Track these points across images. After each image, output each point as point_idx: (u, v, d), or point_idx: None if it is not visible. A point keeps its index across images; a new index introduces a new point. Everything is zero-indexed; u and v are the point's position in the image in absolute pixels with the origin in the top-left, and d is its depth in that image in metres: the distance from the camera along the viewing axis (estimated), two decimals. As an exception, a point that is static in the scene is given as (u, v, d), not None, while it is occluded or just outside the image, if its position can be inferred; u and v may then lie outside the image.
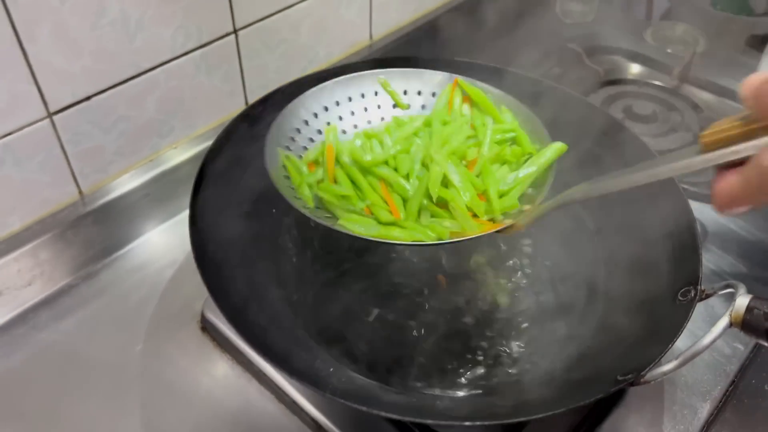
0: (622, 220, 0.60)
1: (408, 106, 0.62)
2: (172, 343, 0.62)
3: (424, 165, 0.55)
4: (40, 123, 0.60)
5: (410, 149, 0.56)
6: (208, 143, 0.60)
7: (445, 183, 0.53)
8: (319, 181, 0.55)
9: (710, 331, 0.43)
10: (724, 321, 0.43)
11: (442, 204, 0.53)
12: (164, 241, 0.72)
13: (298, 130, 0.58)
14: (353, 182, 0.55)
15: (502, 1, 0.93)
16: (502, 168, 0.56)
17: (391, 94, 0.61)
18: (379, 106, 0.61)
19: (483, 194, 0.54)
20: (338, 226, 0.51)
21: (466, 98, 0.61)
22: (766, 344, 0.47)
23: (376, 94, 0.61)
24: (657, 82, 0.92)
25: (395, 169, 0.55)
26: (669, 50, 0.98)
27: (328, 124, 0.59)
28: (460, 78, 0.61)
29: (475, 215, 0.52)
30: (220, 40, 0.71)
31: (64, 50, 0.59)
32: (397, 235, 0.51)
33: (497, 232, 0.51)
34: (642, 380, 0.44)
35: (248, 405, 0.58)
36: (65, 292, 0.66)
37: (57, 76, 0.60)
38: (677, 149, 0.48)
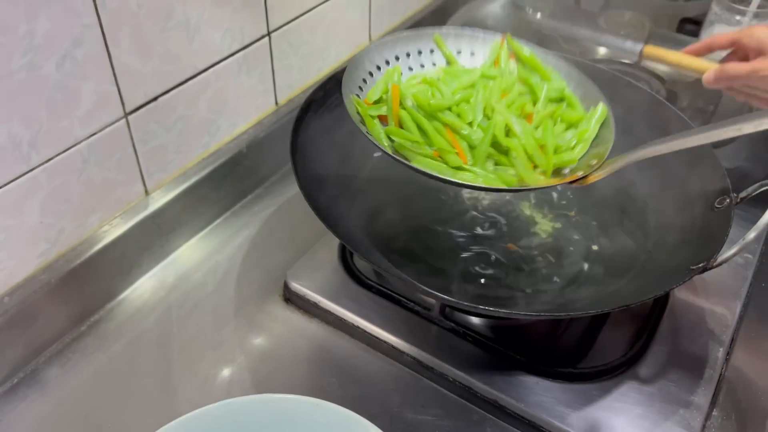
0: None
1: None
2: (261, 316, 0.67)
3: (486, 115, 0.59)
4: (118, 123, 0.64)
5: (470, 99, 0.59)
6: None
7: (507, 133, 0.58)
8: (380, 116, 0.58)
9: (760, 220, 0.53)
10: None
11: (503, 152, 0.57)
12: (227, 231, 0.76)
13: (365, 81, 0.61)
14: (418, 126, 0.58)
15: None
16: (558, 125, 0.60)
17: (447, 56, 0.64)
18: (434, 64, 0.65)
19: (541, 147, 0.58)
20: (415, 164, 0.54)
21: (512, 55, 0.64)
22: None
23: (431, 52, 0.64)
24: (623, 60, 1.05)
25: (458, 116, 0.59)
26: (622, 32, 1.11)
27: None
28: (509, 35, 0.65)
29: (535, 166, 0.57)
30: (257, 42, 0.77)
31: (139, 52, 0.63)
32: (470, 178, 0.55)
33: (570, 183, 0.56)
34: (712, 266, 0.53)
35: (346, 358, 0.64)
36: (147, 280, 0.70)
37: (133, 78, 0.64)
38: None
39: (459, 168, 0.56)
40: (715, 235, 0.56)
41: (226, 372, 0.62)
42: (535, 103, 0.62)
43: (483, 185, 0.55)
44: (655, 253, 0.63)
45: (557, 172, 0.58)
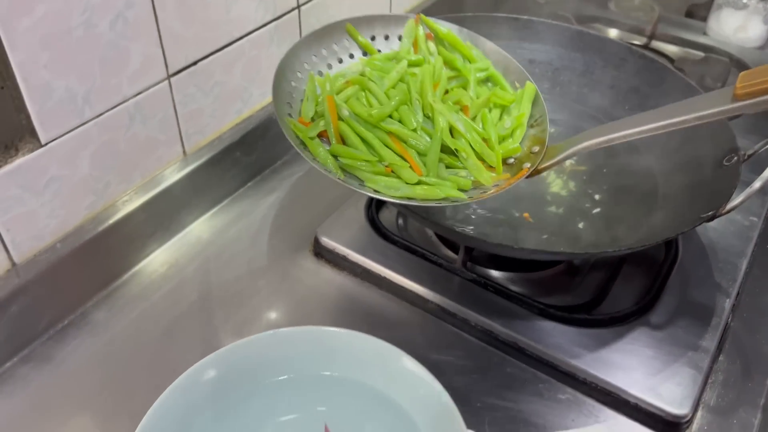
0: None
1: (379, 52, 0.63)
2: (293, 269, 0.71)
3: (425, 114, 0.56)
4: (161, 84, 0.68)
5: (408, 99, 0.56)
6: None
7: (451, 132, 0.56)
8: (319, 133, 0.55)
9: (766, 171, 0.57)
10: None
11: (449, 152, 0.55)
12: (258, 193, 0.81)
13: (291, 94, 0.58)
14: (361, 138, 0.55)
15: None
16: (493, 112, 0.58)
17: (363, 44, 0.62)
18: (351, 56, 0.62)
19: (485, 141, 0.56)
20: (368, 190, 0.52)
21: (429, 35, 0.62)
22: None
23: (346, 43, 0.62)
24: (634, 41, 1.09)
25: (399, 121, 0.56)
26: (632, 15, 1.16)
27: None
28: (423, 15, 0.63)
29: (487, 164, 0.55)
30: (287, 15, 0.81)
31: (183, 17, 0.67)
32: (426, 194, 0.52)
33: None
34: (721, 213, 0.57)
35: (373, 306, 0.68)
36: (185, 236, 0.74)
37: (176, 41, 0.68)
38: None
39: (417, 183, 0.54)
40: (724, 189, 0.60)
41: (262, 316, 0.66)
42: (465, 87, 0.60)
43: (446, 199, 0.53)
44: (665, 209, 0.67)
45: (503, 162, 0.58)
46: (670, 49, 1.08)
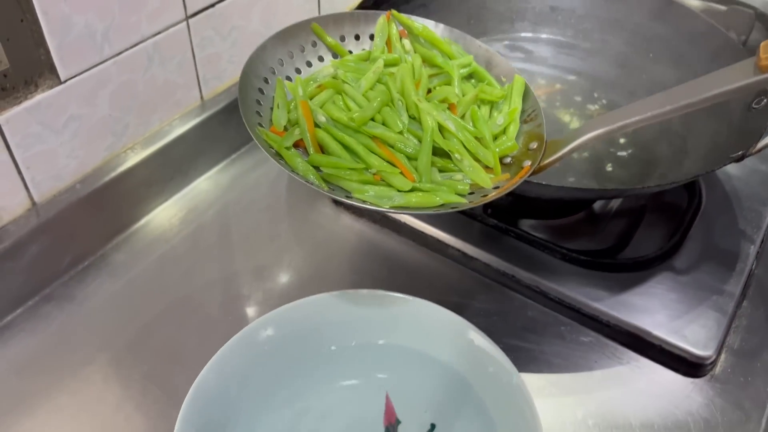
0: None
1: (350, 53, 0.58)
2: (313, 215, 0.71)
3: (410, 115, 0.52)
4: (179, 25, 0.67)
5: (390, 100, 0.52)
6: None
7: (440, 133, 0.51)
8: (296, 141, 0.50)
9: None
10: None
11: (440, 155, 0.51)
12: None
13: (259, 102, 0.53)
14: (343, 146, 0.50)
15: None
16: (482, 109, 0.54)
17: (332, 46, 0.58)
18: (320, 59, 0.58)
19: (478, 140, 0.52)
20: (356, 201, 0.47)
21: (403, 32, 0.58)
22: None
23: (314, 45, 0.57)
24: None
25: (383, 124, 0.51)
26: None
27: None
28: (395, 11, 0.58)
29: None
30: (306, -40, 0.80)
31: (201, -44, 0.66)
32: (422, 201, 0.47)
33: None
34: (751, 153, 0.56)
35: (393, 252, 0.67)
36: (204, 181, 0.74)
37: (194, -19, 0.67)
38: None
39: (410, 190, 0.48)
40: (753, 131, 0.59)
41: (282, 260, 0.66)
42: (448, 84, 0.56)
43: (445, 206, 0.47)
44: (693, 153, 0.66)
45: (499, 162, 0.53)
46: (692, 2, 1.06)
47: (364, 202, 0.47)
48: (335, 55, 0.58)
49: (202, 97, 0.74)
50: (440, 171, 0.50)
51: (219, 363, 0.48)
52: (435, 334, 0.52)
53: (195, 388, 0.47)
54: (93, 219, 0.65)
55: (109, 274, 0.64)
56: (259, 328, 0.51)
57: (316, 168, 0.49)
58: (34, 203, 0.61)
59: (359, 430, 0.51)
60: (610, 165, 0.69)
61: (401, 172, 0.49)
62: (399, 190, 0.48)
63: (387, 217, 0.69)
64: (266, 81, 0.54)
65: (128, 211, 0.68)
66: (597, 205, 0.70)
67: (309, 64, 0.57)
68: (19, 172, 0.59)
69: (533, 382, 0.56)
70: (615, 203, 0.70)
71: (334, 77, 0.55)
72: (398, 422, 0.51)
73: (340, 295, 0.53)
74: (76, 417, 0.53)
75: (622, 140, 0.72)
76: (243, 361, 0.50)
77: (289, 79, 0.55)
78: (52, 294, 0.62)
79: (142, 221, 0.69)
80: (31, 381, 0.55)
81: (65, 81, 0.59)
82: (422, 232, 0.67)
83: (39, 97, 0.57)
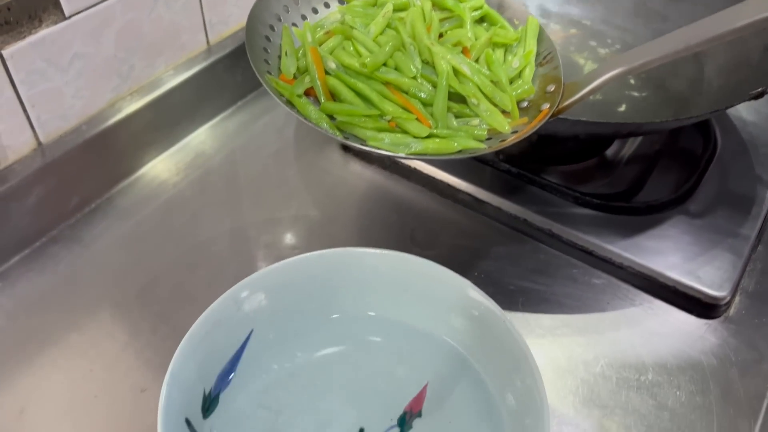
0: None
1: None
2: (321, 162, 0.70)
3: (423, 60, 0.50)
4: (185, -36, 0.66)
5: (402, 45, 0.51)
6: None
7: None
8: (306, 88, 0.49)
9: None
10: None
11: (456, 101, 0.50)
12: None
13: (266, 50, 0.51)
14: (356, 93, 0.49)
15: None
16: (496, 52, 0.53)
17: None
18: (326, 5, 0.56)
19: (494, 84, 0.50)
20: (372, 144, 0.46)
21: None
22: None
23: None
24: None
25: (395, 69, 0.50)
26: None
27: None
28: None
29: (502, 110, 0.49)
30: None
31: None
32: (440, 148, 0.46)
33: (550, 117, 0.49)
34: (769, 91, 0.55)
35: (403, 197, 0.66)
36: (209, 129, 0.73)
37: None
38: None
39: (427, 136, 0.47)
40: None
41: (290, 204, 0.65)
42: (461, 28, 0.54)
43: (463, 151, 0.47)
44: (711, 93, 0.65)
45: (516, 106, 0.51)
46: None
47: (380, 149, 0.46)
48: (341, 1, 0.57)
49: (208, 42, 0.73)
50: (456, 116, 0.49)
51: (213, 313, 0.45)
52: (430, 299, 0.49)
53: (201, 322, 0.45)
54: (99, 161, 0.64)
55: (116, 217, 0.63)
56: (276, 271, 0.48)
57: (330, 116, 0.48)
58: (39, 143, 0.60)
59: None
60: (623, 105, 0.67)
61: (417, 118, 0.47)
62: (415, 137, 0.47)
63: (397, 162, 0.68)
64: (272, 28, 0.52)
65: (134, 153, 0.67)
66: (610, 151, 0.69)
67: (315, 11, 0.55)
68: (25, 111, 0.58)
69: (544, 321, 0.56)
70: (628, 149, 0.69)
71: (342, 23, 0.53)
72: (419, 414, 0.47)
73: (322, 256, 0.49)
74: (86, 353, 0.53)
75: (632, 81, 0.70)
76: (241, 310, 0.47)
77: (295, 26, 0.54)
78: (59, 235, 0.61)
79: (149, 165, 0.68)
80: (40, 318, 0.55)
81: (70, 17, 0.57)
82: (433, 178, 0.66)
83: (43, 32, 0.56)
